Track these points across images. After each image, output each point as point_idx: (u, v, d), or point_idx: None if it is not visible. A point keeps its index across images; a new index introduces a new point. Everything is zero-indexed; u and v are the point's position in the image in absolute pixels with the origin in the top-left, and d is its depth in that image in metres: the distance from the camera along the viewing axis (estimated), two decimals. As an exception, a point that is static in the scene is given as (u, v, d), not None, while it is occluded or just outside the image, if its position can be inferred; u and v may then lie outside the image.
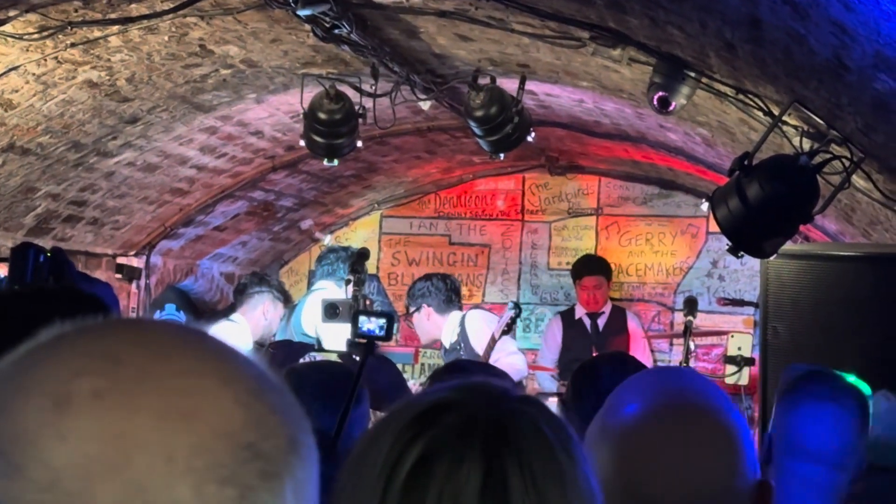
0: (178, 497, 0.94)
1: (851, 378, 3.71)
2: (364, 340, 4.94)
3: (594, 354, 7.56)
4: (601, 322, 10.12)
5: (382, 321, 4.99)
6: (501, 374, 4.90)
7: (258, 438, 0.99)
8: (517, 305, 7.82)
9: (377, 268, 11.82)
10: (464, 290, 11.59)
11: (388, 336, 4.99)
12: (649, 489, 1.90)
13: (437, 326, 8.37)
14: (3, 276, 2.83)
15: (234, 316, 8.46)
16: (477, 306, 9.30)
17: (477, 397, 1.57)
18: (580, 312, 10.14)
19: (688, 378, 2.14)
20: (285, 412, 1.05)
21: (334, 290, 8.19)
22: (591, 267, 10.31)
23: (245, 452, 0.98)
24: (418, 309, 8.43)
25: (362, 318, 4.99)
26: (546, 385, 9.68)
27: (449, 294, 8.39)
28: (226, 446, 0.97)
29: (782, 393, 3.50)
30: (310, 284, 9.78)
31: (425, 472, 1.48)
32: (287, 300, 8.72)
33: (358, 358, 5.45)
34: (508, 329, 7.72)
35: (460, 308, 8.51)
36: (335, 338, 7.38)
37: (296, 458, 1.02)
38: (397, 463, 1.49)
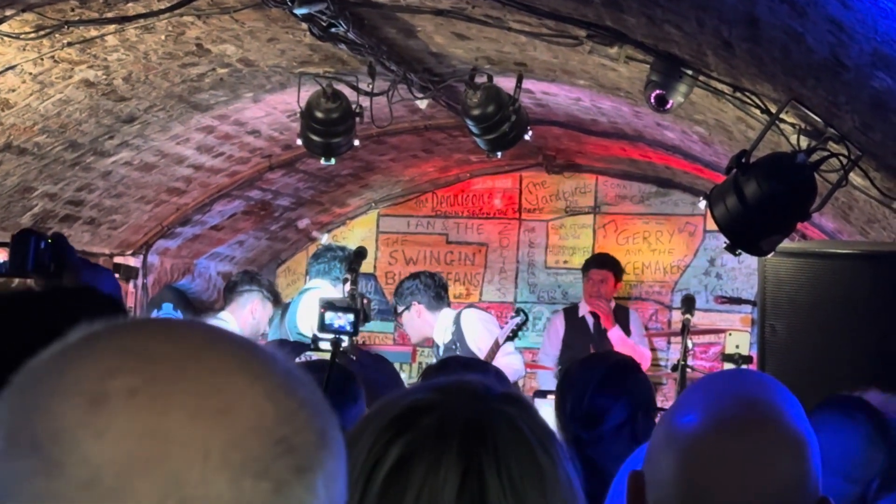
0: (215, 491, 0.96)
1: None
2: (331, 336, 4.95)
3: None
4: (604, 321, 10.12)
5: (350, 316, 5.00)
6: (497, 372, 4.93)
7: (290, 433, 1.02)
8: (523, 312, 7.84)
9: (374, 267, 11.83)
10: (461, 289, 11.62)
11: (355, 331, 5.00)
12: (716, 498, 1.88)
13: (429, 324, 8.36)
14: (2, 260, 2.81)
15: (222, 314, 8.44)
16: (471, 305, 9.26)
17: (456, 397, 1.57)
18: (584, 310, 10.13)
19: (755, 383, 2.09)
20: (314, 407, 1.07)
21: (329, 289, 8.17)
22: (600, 261, 10.32)
23: (278, 447, 1.00)
24: (408, 307, 8.40)
25: (329, 314, 4.99)
26: (546, 383, 9.67)
27: (438, 291, 8.39)
28: (260, 441, 0.99)
29: None
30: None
31: (404, 473, 1.49)
32: (277, 300, 8.71)
33: (354, 357, 5.45)
34: (513, 336, 7.73)
35: (449, 305, 8.50)
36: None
37: (326, 452, 1.05)
38: (376, 464, 1.50)
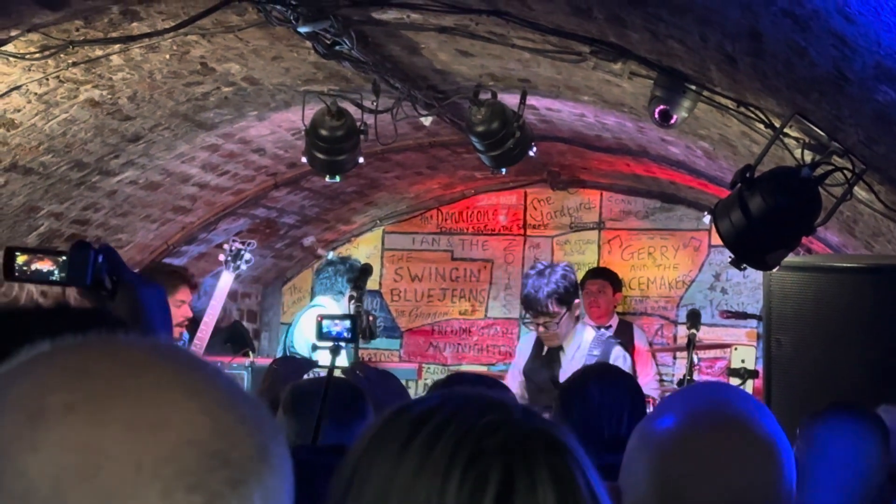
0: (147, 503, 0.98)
1: None
2: (329, 343, 4.95)
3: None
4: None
5: (347, 323, 5.00)
6: (498, 385, 4.88)
7: (226, 447, 1.03)
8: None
9: (380, 284, 11.82)
10: (466, 305, 11.63)
11: (353, 338, 5.00)
12: (689, 494, 1.90)
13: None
14: (47, 269, 2.78)
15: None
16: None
17: (506, 413, 1.55)
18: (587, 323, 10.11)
19: (728, 390, 2.15)
20: (255, 422, 1.08)
21: (332, 305, 8.15)
22: (594, 272, 10.32)
23: (213, 460, 1.02)
24: (570, 307, 7.29)
25: (326, 322, 5.00)
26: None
27: None
28: (193, 454, 1.01)
29: (802, 426, 3.54)
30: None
31: (508, 498, 1.43)
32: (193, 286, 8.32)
33: (360, 373, 5.45)
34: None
35: None
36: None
37: (265, 467, 1.06)
38: (473, 496, 1.43)
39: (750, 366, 7.41)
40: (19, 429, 0.99)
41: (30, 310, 2.32)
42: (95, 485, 0.97)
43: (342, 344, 5.05)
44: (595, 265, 11.19)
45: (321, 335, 4.99)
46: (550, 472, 1.45)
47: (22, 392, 1.02)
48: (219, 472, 1.01)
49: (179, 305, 7.22)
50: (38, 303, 2.49)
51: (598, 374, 4.44)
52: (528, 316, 7.55)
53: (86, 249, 2.70)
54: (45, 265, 2.76)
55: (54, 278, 2.80)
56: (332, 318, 5.07)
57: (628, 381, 4.39)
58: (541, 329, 7.25)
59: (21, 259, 2.74)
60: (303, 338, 7.95)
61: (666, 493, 1.92)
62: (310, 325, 7.74)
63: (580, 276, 10.90)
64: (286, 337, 8.59)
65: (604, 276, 10.20)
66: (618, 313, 10.50)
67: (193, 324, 8.25)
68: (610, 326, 10.08)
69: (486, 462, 1.43)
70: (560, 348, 7.24)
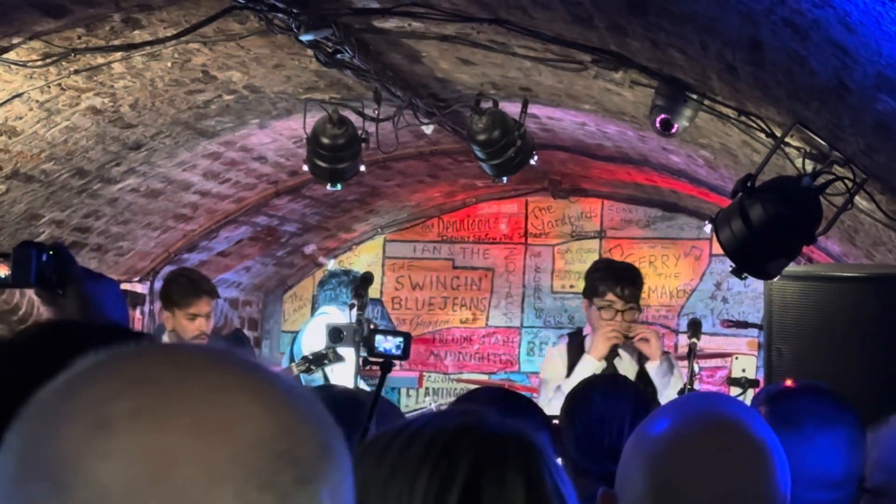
0: None
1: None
2: (381, 360, 4.93)
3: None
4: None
5: (399, 339, 4.99)
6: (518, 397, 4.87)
7: (291, 446, 1.05)
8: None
9: (381, 292, 11.82)
10: (467, 314, 11.63)
11: (405, 355, 4.99)
12: (683, 495, 1.92)
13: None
14: (4, 275, 2.80)
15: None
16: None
17: (480, 416, 1.59)
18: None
19: (720, 397, 2.20)
20: (316, 421, 1.10)
21: (337, 314, 8.16)
22: None
23: (280, 460, 1.03)
24: None
25: (379, 338, 4.98)
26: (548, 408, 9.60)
27: None
28: (261, 455, 1.02)
29: (777, 415, 3.50)
30: (314, 310, 9.77)
31: (476, 495, 1.49)
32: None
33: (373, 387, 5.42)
34: None
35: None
36: (341, 373, 7.36)
37: (329, 464, 1.07)
38: (439, 494, 1.50)
39: (751, 375, 7.42)
40: (87, 438, 1.00)
41: (81, 324, 2.32)
42: (169, 489, 0.98)
43: (393, 362, 5.03)
44: (596, 274, 11.18)
45: (374, 352, 4.98)
46: (521, 470, 1.50)
47: (84, 401, 1.03)
48: (287, 472, 1.03)
49: (193, 319, 7.11)
50: (41, 323, 2.48)
51: (603, 384, 4.47)
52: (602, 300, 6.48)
53: (28, 249, 2.71)
54: (1, 270, 2.78)
55: (4, 280, 2.82)
56: (385, 333, 5.06)
57: (632, 392, 4.39)
58: (620, 318, 6.43)
59: None
60: (309, 346, 7.95)
61: (660, 495, 1.95)
62: (316, 333, 7.75)
63: (582, 285, 10.89)
64: (293, 345, 8.59)
65: None
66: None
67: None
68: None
69: (453, 461, 1.50)
70: (617, 354, 6.61)
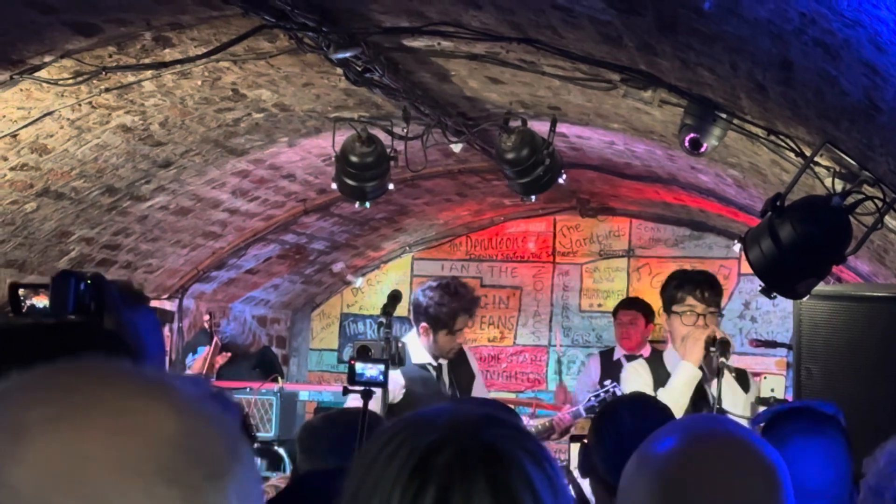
0: (131, 499, 1.07)
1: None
2: (361, 388, 4.98)
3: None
4: (638, 364, 10.00)
5: (381, 367, 5.03)
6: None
7: (200, 445, 1.13)
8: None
9: (409, 311, 11.82)
10: (495, 332, 11.62)
11: (384, 382, 5.04)
12: None
13: None
14: (43, 305, 2.83)
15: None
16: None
17: (456, 430, 1.64)
18: (619, 354, 10.07)
19: (725, 419, 2.21)
20: (223, 425, 1.18)
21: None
22: (627, 302, 10.24)
23: (189, 457, 1.11)
24: None
25: (359, 366, 5.03)
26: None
27: None
28: (170, 452, 1.10)
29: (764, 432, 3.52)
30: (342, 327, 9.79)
31: None
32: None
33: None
34: None
35: None
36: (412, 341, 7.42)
37: (238, 465, 1.16)
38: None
39: (779, 395, 7.36)
40: (3, 445, 1.07)
41: (27, 327, 2.39)
42: (80, 487, 1.05)
43: (373, 389, 5.07)
44: (624, 293, 11.17)
45: (355, 380, 5.02)
46: (488, 482, 1.55)
47: (3, 410, 1.10)
48: (196, 468, 1.11)
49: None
50: (37, 321, 2.51)
51: (631, 402, 4.47)
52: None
53: (67, 278, 2.74)
54: (40, 300, 2.81)
55: (43, 310, 2.85)
56: (366, 361, 5.09)
57: (660, 410, 4.38)
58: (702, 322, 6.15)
59: (21, 294, 2.79)
60: None
61: None
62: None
63: (610, 304, 10.89)
64: None
65: (636, 307, 10.13)
66: (650, 342, 10.46)
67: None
68: (641, 356, 10.02)
69: (422, 483, 1.57)
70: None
